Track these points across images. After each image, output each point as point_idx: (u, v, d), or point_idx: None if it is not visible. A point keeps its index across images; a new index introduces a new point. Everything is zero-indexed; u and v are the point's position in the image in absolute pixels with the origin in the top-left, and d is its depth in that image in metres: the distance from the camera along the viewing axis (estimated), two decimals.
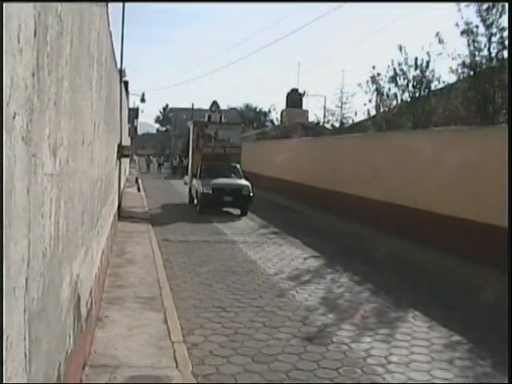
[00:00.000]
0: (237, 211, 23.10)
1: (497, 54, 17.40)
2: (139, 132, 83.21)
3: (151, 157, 68.83)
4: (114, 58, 12.40)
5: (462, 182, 14.02)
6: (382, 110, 25.54)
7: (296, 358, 7.04)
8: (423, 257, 14.04)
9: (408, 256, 14.34)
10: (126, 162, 29.06)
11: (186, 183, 28.26)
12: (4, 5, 2.13)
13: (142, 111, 77.30)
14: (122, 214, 19.08)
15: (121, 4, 20.10)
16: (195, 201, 24.14)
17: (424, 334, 8.21)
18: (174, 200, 28.57)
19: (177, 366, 6.27)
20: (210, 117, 29.91)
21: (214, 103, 30.28)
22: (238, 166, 25.08)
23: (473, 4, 17.43)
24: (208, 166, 24.28)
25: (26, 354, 2.69)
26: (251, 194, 22.63)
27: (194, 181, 24.24)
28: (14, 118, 2.35)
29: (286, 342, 7.64)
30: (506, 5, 16.98)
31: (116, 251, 12.84)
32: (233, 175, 24.08)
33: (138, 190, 31.83)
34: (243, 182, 23.33)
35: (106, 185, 9.57)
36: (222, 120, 30.20)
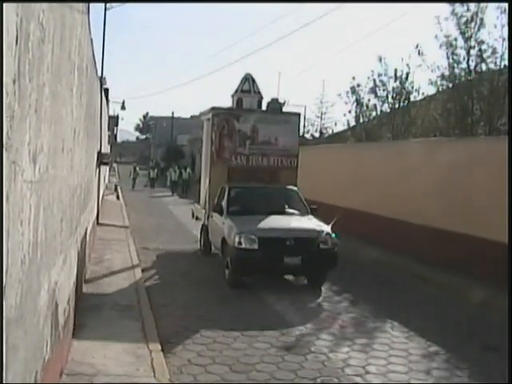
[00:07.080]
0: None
1: (475, 66, 17.63)
2: (119, 139, 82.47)
3: (137, 168, 49.06)
4: (95, 65, 12.36)
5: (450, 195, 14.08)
6: (361, 120, 25.69)
7: (274, 368, 7.04)
8: (401, 267, 14.11)
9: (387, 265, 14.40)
10: (105, 169, 28.70)
11: (196, 217, 16.54)
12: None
13: (123, 119, 76.46)
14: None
15: (102, 11, 20.07)
16: (213, 248, 14.03)
17: (402, 345, 8.24)
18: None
19: (154, 375, 6.24)
20: (240, 101, 15.87)
21: (248, 78, 15.80)
22: (296, 189, 13.78)
23: (452, 17, 17.65)
24: (241, 190, 13.46)
25: (2, 362, 2.67)
26: (335, 249, 11.46)
27: (217, 217, 13.03)
28: None
29: (264, 351, 7.64)
30: (484, 18, 17.25)
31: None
32: (288, 208, 13.09)
33: (118, 198, 31.70)
34: (316, 222, 12.04)
35: (85, 192, 9.52)
36: (263, 107, 15.97)
